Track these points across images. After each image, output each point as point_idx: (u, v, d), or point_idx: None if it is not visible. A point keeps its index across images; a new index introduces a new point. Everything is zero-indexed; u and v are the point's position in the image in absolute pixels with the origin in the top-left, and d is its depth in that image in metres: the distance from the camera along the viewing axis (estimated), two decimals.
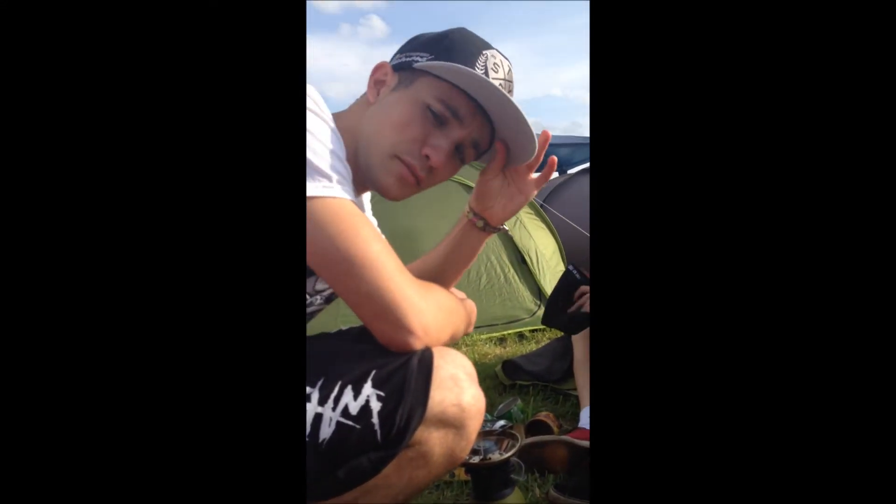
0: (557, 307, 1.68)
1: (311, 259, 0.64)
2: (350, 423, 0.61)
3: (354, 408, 0.62)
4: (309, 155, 0.63)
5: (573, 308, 1.61)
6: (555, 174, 0.97)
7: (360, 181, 0.80)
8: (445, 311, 0.73)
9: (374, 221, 0.93)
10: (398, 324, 0.65)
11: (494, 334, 2.65)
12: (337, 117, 0.77)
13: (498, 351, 2.43)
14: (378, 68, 0.83)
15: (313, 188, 0.63)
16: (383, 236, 0.71)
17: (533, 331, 2.67)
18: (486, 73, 0.78)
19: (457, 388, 0.67)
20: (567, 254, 3.27)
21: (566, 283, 1.67)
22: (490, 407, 1.35)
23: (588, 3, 0.54)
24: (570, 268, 1.68)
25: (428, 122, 0.77)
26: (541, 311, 2.70)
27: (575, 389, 1.67)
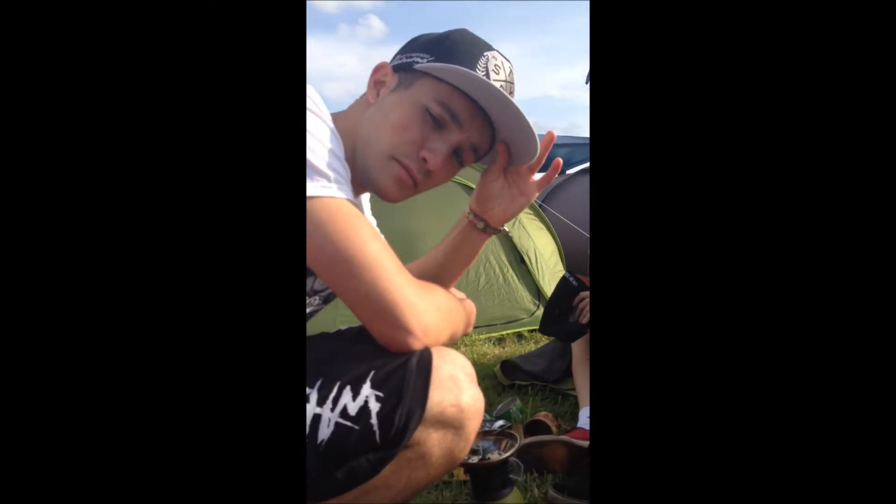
0: (554, 315, 1.69)
1: (310, 259, 0.63)
2: (349, 423, 0.61)
3: (353, 408, 0.62)
4: (308, 155, 0.63)
5: (575, 316, 1.62)
6: None
7: (358, 182, 0.80)
8: (444, 311, 0.73)
9: (374, 222, 0.93)
10: (397, 324, 0.64)
11: (493, 334, 2.65)
12: (336, 117, 0.77)
13: (497, 351, 2.43)
14: (378, 69, 0.83)
15: (312, 188, 0.63)
16: (382, 236, 0.71)
17: (531, 331, 2.67)
18: (487, 75, 0.78)
19: (456, 388, 0.67)
20: (566, 254, 3.27)
21: (563, 291, 1.67)
22: (489, 407, 1.35)
23: (588, 3, 0.54)
24: (567, 275, 1.68)
25: (426, 124, 0.77)
26: (539, 312, 2.70)
27: (573, 389, 1.67)
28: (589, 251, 2.24)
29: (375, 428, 0.62)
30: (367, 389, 0.63)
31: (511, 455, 0.97)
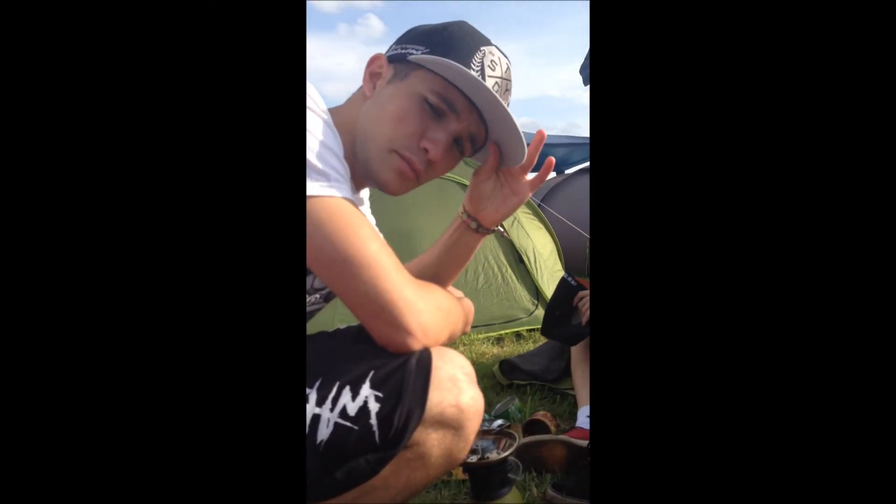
0: (555, 317, 1.69)
1: (309, 259, 0.63)
2: (348, 424, 0.61)
3: (352, 409, 0.62)
4: (307, 154, 0.63)
5: (578, 318, 1.62)
6: (552, 174, 0.97)
7: (359, 177, 0.80)
8: (444, 311, 0.73)
9: (373, 220, 0.92)
10: (396, 324, 0.64)
11: (492, 334, 2.65)
12: (333, 112, 0.76)
13: (495, 350, 2.43)
14: (373, 60, 0.82)
15: (311, 187, 0.63)
16: (381, 235, 0.71)
17: (530, 330, 2.67)
18: (483, 71, 0.77)
19: (455, 388, 0.67)
20: (564, 254, 3.27)
21: (563, 293, 1.68)
22: (487, 406, 1.35)
23: (587, 3, 0.54)
24: (566, 276, 1.69)
25: (425, 114, 0.76)
26: (538, 311, 2.71)
27: (572, 389, 1.67)
28: (588, 251, 2.25)
29: (375, 428, 0.62)
30: (366, 390, 0.63)
31: (510, 454, 0.96)
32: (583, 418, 1.40)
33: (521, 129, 0.77)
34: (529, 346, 2.38)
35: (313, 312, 0.91)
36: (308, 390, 0.62)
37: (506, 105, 0.75)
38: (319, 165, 0.64)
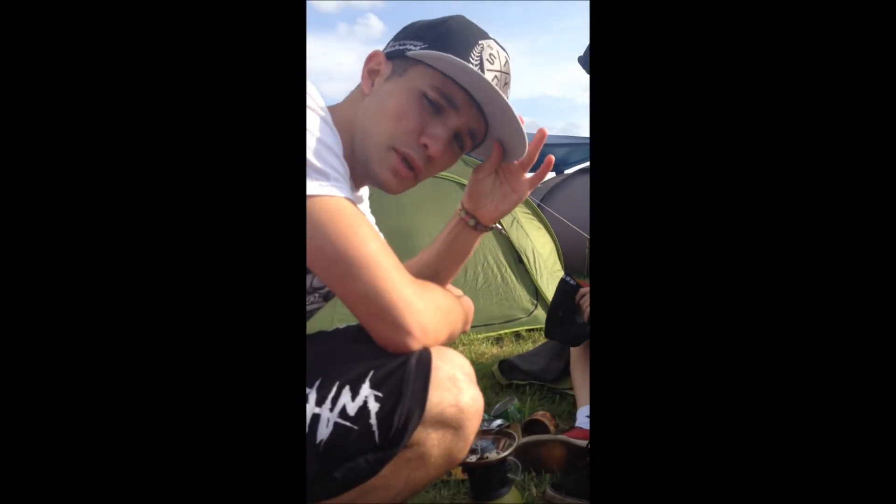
0: (558, 317, 1.69)
1: (309, 259, 0.63)
2: (348, 423, 0.61)
3: (352, 408, 0.62)
4: (307, 153, 0.63)
5: (581, 317, 1.63)
6: (551, 174, 0.97)
7: (358, 175, 0.80)
8: (443, 310, 0.73)
9: (372, 219, 0.92)
10: (396, 324, 0.64)
11: (491, 334, 2.65)
12: (332, 111, 0.76)
13: (495, 350, 2.43)
14: (371, 57, 0.81)
15: (311, 187, 0.63)
16: (381, 235, 0.71)
17: (529, 330, 2.67)
18: (481, 65, 0.76)
19: (455, 388, 0.67)
20: (564, 254, 3.27)
21: (563, 293, 1.68)
22: (487, 406, 1.35)
23: (587, 3, 0.54)
24: (566, 277, 1.69)
25: (425, 110, 0.76)
26: (537, 311, 2.71)
27: (571, 389, 1.67)
28: (588, 251, 2.25)
29: (374, 428, 0.62)
30: (366, 389, 0.62)
31: (509, 454, 0.97)
32: (582, 418, 1.41)
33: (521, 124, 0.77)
34: (529, 346, 2.38)
35: (313, 312, 0.91)
36: (308, 390, 0.62)
37: (505, 98, 0.75)
38: (319, 164, 0.64)
